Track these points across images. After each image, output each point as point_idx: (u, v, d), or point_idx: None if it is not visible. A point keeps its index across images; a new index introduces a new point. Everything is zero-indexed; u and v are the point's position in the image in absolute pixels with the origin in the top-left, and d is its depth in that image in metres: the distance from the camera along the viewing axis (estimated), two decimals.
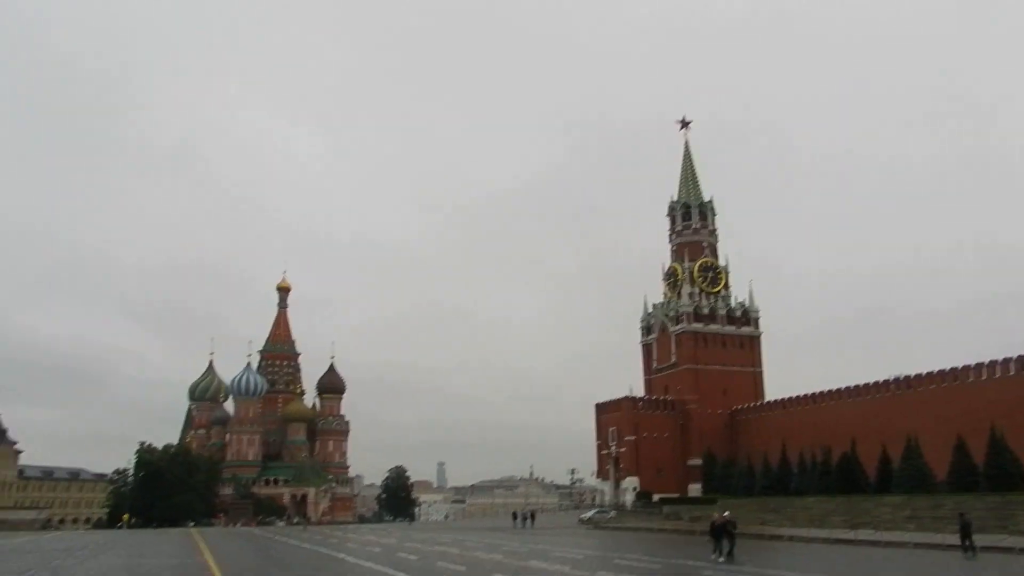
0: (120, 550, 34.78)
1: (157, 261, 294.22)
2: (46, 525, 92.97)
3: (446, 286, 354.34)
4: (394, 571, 21.88)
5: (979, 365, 65.67)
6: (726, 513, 27.93)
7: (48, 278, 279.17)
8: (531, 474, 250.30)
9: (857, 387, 78.28)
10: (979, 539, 32.54)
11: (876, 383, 76.33)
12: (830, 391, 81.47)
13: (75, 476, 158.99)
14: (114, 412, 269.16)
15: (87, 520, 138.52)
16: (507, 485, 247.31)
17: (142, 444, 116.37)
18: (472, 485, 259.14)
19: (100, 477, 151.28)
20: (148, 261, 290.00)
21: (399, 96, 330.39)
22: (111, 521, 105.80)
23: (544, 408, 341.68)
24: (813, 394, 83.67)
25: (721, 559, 25.51)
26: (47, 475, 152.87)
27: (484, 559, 27.25)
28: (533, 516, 74.11)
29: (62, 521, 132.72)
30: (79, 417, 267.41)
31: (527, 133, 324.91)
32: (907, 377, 73.34)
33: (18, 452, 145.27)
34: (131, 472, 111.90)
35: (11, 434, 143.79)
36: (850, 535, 37.82)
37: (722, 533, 26.33)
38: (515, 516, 72.69)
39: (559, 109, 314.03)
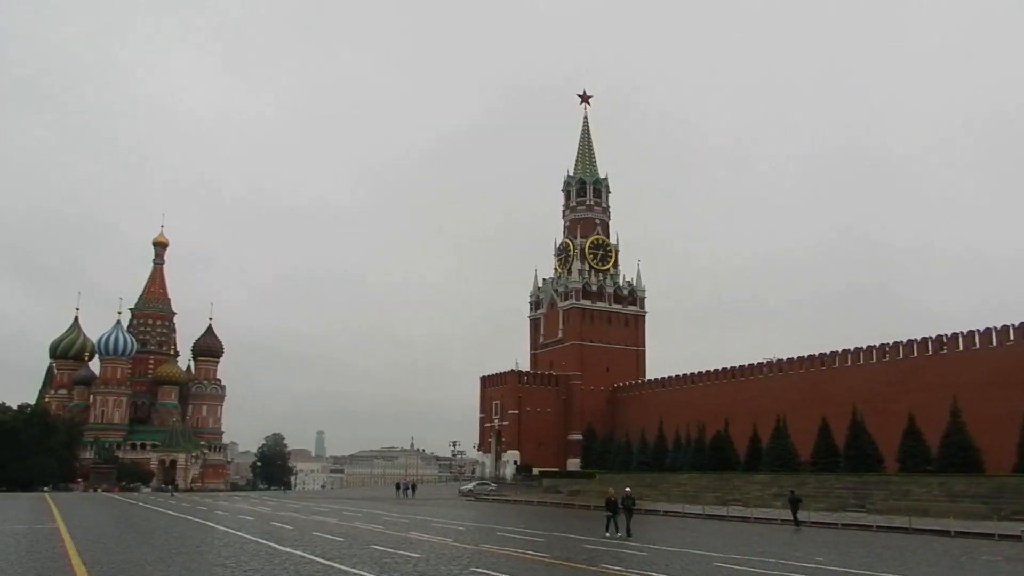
0: None
1: (19, 205, 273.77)
2: None
3: (343, 250, 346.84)
4: (267, 541, 20.75)
5: (845, 352, 69.24)
6: (627, 489, 26.83)
7: None
8: (412, 445, 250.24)
9: (731, 369, 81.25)
10: (839, 517, 34.35)
11: (750, 365, 79.44)
12: (706, 372, 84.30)
13: None
14: None
15: None
16: (387, 456, 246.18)
17: None
18: (351, 455, 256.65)
19: None
20: (9, 205, 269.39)
21: (304, 48, 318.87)
22: None
23: (428, 380, 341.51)
24: (690, 374, 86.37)
25: (607, 534, 24.56)
26: None
27: (363, 529, 26.40)
28: (414, 487, 73.81)
29: None
30: None
31: (438, 98, 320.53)
32: (779, 360, 76.67)
33: None
34: None
35: None
36: (722, 511, 39.10)
37: (618, 509, 25.25)
38: (398, 486, 72.23)
39: (472, 74, 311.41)
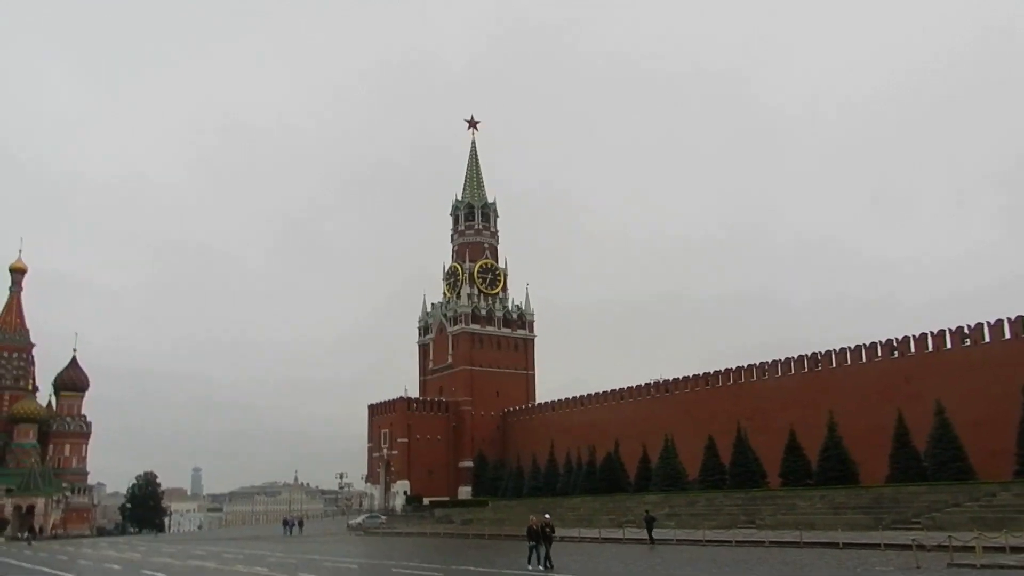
0: None
1: None
2: None
3: (223, 284, 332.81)
4: None
5: (727, 371, 71.34)
6: (546, 515, 25.29)
7: None
8: (296, 479, 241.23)
9: (620, 390, 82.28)
10: (733, 534, 34.78)
11: (637, 387, 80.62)
12: (595, 394, 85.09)
13: None
14: None
15: None
16: (269, 491, 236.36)
17: None
18: (231, 492, 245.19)
19: None
20: None
21: (190, 50, 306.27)
22: None
23: (313, 412, 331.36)
24: (579, 397, 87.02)
25: (530, 567, 23.04)
26: None
27: (246, 573, 24.47)
28: (301, 523, 70.92)
29: None
30: None
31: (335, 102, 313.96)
32: (665, 381, 78.19)
33: None
34: None
35: None
36: (618, 533, 38.92)
37: (539, 537, 23.52)
38: (285, 523, 69.10)
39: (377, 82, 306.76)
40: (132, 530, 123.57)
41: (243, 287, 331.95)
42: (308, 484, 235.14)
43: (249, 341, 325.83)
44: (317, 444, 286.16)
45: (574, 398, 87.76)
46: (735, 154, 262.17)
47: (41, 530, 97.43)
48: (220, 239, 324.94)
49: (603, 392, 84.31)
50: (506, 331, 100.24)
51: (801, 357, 65.56)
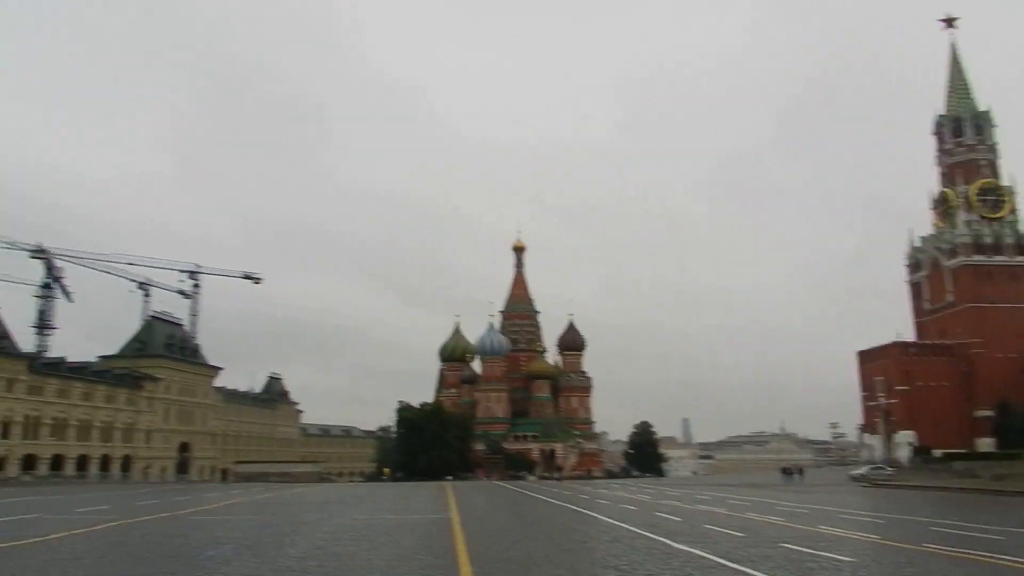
0: (372, 504, 35.13)
1: (402, 238, 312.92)
2: (322, 478, 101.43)
3: (693, 250, 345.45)
4: (657, 536, 18.93)
5: None
6: None
7: (305, 256, 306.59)
8: (782, 429, 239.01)
9: None
10: None
11: None
12: None
13: (347, 433, 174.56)
14: (376, 375, 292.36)
15: (360, 473, 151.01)
16: (756, 441, 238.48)
17: (401, 403, 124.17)
18: (719, 441, 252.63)
19: (368, 434, 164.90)
20: (393, 238, 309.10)
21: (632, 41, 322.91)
22: (378, 474, 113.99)
23: (792, 360, 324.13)
24: None
25: None
26: (324, 432, 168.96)
27: (760, 522, 23.50)
28: (801, 471, 69.79)
29: (340, 474, 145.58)
30: (342, 380, 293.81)
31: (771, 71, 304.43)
32: None
33: (299, 412, 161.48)
34: (393, 429, 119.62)
35: (291, 396, 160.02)
36: None
37: None
38: (785, 471, 68.91)
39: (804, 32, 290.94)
40: (635, 474, 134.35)
41: (690, 239, 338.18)
42: (795, 434, 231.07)
43: (709, 293, 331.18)
44: (798, 393, 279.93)
45: None
46: None
47: (561, 470, 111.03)
48: (657, 193, 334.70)
49: None
50: (1021, 259, 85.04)
51: None
